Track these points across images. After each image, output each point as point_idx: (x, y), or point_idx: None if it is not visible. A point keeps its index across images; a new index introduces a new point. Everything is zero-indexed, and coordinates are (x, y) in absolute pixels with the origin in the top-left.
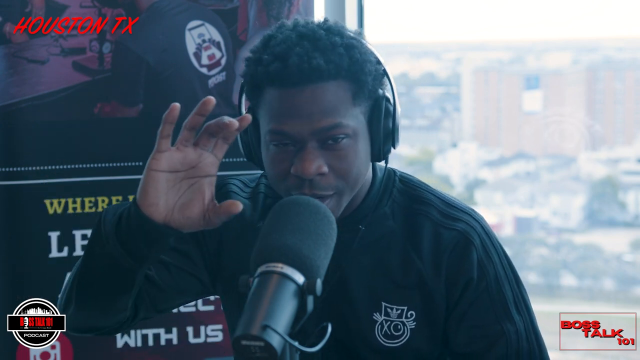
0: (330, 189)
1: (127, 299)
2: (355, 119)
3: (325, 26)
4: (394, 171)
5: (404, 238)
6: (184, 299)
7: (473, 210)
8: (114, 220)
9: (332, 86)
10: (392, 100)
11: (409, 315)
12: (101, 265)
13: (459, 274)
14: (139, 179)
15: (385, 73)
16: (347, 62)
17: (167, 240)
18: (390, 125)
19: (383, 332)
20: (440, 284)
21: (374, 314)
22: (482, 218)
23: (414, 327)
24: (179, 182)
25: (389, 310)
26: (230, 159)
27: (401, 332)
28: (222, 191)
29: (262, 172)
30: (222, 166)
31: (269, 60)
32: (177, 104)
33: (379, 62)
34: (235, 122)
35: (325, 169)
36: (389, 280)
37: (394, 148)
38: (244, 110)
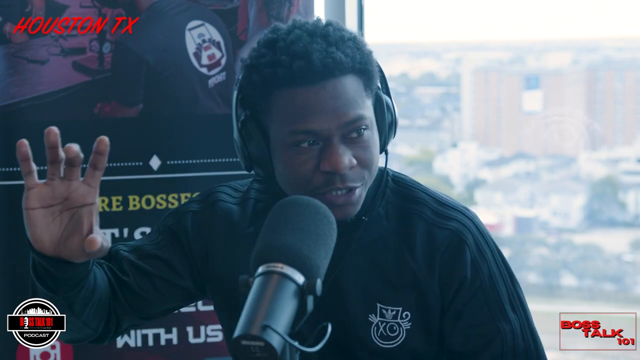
0: (359, 180)
1: (74, 319)
2: (369, 110)
3: (325, 23)
4: (386, 171)
5: (398, 238)
6: (168, 305)
7: (466, 208)
8: None
9: (349, 79)
10: (388, 92)
11: (404, 316)
12: (37, 290)
13: (453, 274)
14: (138, 179)
15: (377, 65)
16: (359, 55)
17: (66, 272)
18: (391, 115)
19: (379, 334)
20: (435, 284)
21: (369, 315)
22: (475, 216)
23: (409, 327)
24: (59, 215)
25: (384, 311)
26: (230, 159)
27: (397, 333)
28: (210, 199)
29: (254, 177)
30: (222, 166)
31: (289, 61)
32: (24, 141)
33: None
34: (71, 149)
35: (354, 161)
36: (384, 281)
37: (393, 137)
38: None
